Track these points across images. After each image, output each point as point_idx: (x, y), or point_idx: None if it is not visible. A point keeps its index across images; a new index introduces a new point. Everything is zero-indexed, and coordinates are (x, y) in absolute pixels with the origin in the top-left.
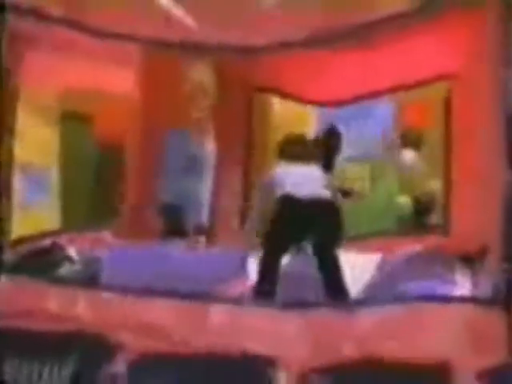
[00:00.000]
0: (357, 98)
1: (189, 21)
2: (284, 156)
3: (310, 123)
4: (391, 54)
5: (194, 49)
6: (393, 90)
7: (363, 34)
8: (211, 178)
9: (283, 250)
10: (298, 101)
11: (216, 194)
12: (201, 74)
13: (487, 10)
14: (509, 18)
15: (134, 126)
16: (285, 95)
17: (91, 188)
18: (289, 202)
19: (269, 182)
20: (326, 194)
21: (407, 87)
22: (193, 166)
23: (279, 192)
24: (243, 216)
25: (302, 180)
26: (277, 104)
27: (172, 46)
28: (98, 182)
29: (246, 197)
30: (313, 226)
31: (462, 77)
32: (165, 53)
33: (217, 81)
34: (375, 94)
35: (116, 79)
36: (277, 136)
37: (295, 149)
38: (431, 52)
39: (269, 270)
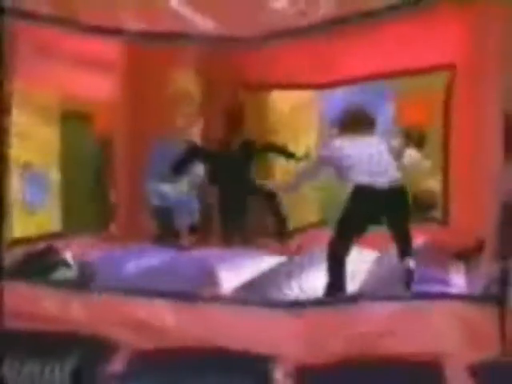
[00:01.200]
0: (353, 81)
1: (180, 11)
2: (345, 130)
3: (311, 114)
4: (391, 40)
5: (182, 40)
6: (391, 75)
7: (364, 22)
8: (198, 177)
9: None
10: (290, 87)
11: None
12: (186, 79)
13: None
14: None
15: (121, 131)
16: (277, 85)
17: (91, 188)
18: (366, 193)
19: (329, 155)
20: (400, 178)
21: (406, 74)
22: None
23: (351, 176)
24: None
25: (375, 164)
26: (272, 98)
27: (162, 38)
28: (98, 183)
29: None
30: (388, 217)
31: (462, 69)
32: (153, 47)
33: (202, 82)
34: (373, 78)
35: (104, 83)
36: (272, 129)
37: (355, 120)
38: (431, 41)
39: (338, 264)
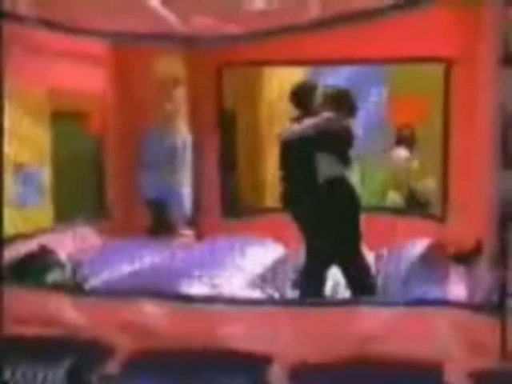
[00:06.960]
0: (345, 61)
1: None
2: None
3: None
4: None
5: (165, 40)
6: (385, 61)
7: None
8: (190, 168)
9: None
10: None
11: (195, 183)
12: (170, 65)
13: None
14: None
15: (113, 124)
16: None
17: (86, 185)
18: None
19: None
20: None
21: (400, 61)
22: (172, 158)
23: None
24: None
25: None
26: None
27: (145, 38)
28: (92, 179)
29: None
30: None
31: (459, 64)
32: (135, 46)
33: (186, 65)
34: (366, 61)
35: (91, 78)
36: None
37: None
38: (429, 31)
39: None
